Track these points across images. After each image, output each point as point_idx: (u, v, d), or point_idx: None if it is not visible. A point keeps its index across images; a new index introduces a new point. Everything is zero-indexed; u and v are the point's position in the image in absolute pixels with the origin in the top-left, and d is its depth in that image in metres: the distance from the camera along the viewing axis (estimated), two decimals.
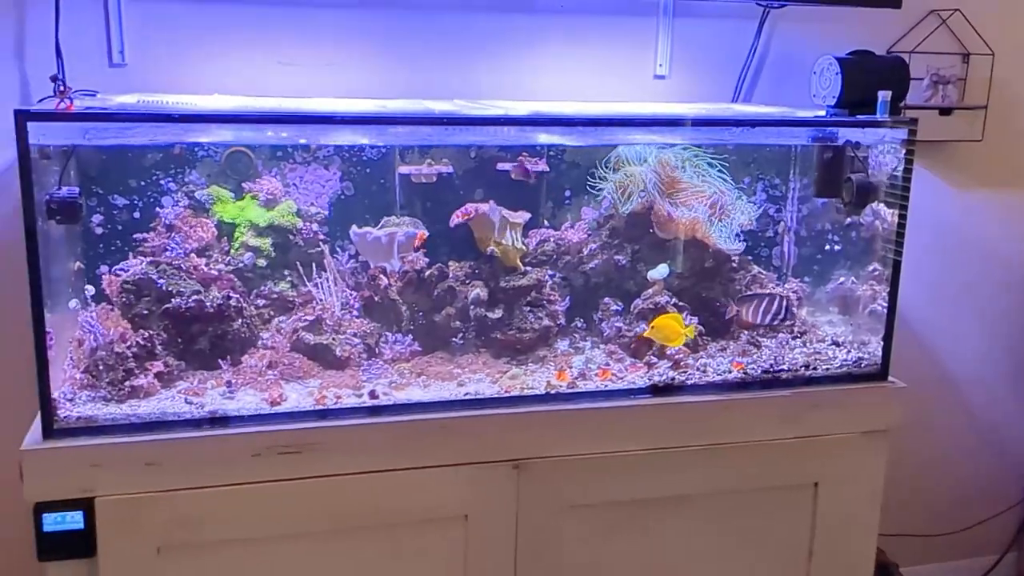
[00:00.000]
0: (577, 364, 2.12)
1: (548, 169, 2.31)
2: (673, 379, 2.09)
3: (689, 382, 2.09)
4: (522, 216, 2.21)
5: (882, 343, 2.20)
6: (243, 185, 2.19)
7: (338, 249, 2.22)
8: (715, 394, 2.08)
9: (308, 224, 2.19)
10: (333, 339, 2.02)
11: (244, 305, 2.01)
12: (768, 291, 2.31)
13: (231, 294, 1.98)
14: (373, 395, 1.92)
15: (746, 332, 2.26)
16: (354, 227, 2.20)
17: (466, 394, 1.97)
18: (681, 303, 2.24)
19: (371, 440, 1.87)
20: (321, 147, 2.23)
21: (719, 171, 2.33)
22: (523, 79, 2.52)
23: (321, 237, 2.19)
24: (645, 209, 2.28)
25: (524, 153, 2.29)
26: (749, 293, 2.30)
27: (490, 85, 2.50)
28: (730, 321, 2.27)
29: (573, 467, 1.97)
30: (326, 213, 2.23)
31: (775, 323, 2.26)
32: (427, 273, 2.16)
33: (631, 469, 2.00)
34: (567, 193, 2.40)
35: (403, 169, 2.23)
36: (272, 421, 1.84)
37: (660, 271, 2.23)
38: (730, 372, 2.13)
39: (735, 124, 2.15)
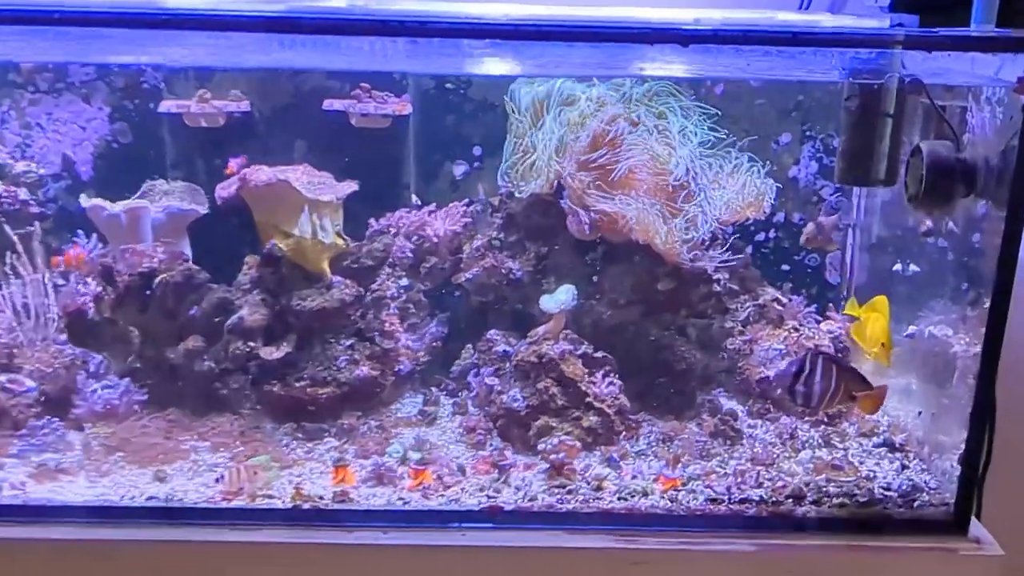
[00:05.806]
0: (394, 450, 1.24)
1: (410, 111, 1.41)
2: (535, 499, 1.17)
3: (563, 507, 1.16)
4: (337, 190, 1.33)
5: (961, 467, 1.15)
6: None
7: (80, 232, 1.45)
8: (614, 536, 1.14)
9: (11, 190, 1.40)
10: None
11: None
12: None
13: None
14: None
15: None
16: (83, 196, 1.41)
17: (150, 498, 1.14)
18: (598, 354, 1.29)
19: None
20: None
21: (702, 120, 1.34)
22: None
23: (35, 210, 1.41)
24: (553, 190, 1.34)
25: (363, 84, 1.39)
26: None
27: None
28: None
29: None
30: (45, 171, 1.44)
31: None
32: (159, 278, 1.32)
33: None
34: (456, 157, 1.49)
35: (166, 105, 1.40)
36: None
37: (558, 298, 1.29)
38: (647, 494, 1.18)
39: (698, 39, 1.08)
